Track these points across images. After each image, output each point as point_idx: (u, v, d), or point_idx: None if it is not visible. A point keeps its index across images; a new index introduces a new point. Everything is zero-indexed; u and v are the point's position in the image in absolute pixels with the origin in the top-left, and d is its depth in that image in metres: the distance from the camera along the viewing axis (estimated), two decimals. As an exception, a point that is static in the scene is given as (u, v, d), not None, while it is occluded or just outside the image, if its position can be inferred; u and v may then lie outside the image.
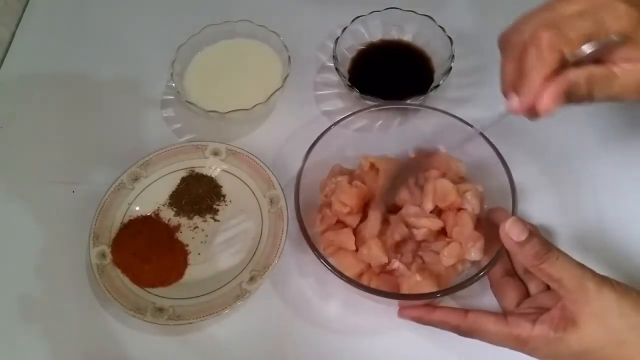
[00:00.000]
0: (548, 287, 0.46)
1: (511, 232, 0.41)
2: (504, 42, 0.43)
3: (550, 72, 0.40)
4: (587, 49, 0.39)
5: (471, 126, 0.52)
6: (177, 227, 0.57)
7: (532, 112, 0.41)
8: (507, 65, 0.43)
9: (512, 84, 0.42)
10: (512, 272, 0.49)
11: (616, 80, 0.40)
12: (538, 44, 0.39)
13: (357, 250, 0.50)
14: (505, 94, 0.43)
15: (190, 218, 0.58)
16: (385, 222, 0.53)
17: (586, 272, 0.41)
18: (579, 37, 0.39)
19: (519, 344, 0.43)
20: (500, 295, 0.48)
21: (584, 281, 0.40)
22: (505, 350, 0.44)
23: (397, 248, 0.51)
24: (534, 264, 0.41)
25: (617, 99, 0.41)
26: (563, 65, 0.40)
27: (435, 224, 0.50)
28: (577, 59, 0.40)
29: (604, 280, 0.40)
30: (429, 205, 0.51)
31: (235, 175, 0.59)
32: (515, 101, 0.42)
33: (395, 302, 0.49)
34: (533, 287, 0.47)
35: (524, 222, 0.42)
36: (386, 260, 0.49)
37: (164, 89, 0.67)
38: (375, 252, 0.49)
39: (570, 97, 0.41)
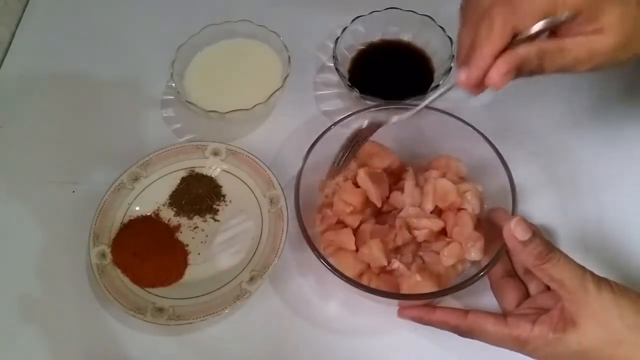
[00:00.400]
0: (548, 288, 0.46)
1: (516, 231, 0.41)
2: (463, 9, 0.43)
3: (500, 49, 0.39)
4: (538, 27, 0.39)
5: (471, 126, 0.52)
6: (177, 227, 0.57)
7: (479, 87, 0.41)
8: (463, 35, 0.43)
9: (465, 56, 0.42)
10: (512, 273, 0.49)
11: (568, 53, 0.40)
12: (491, 20, 0.39)
13: (357, 250, 0.50)
14: (459, 63, 0.43)
15: (190, 218, 0.58)
16: (382, 221, 0.53)
17: (586, 273, 0.41)
18: (533, 16, 0.39)
19: (518, 345, 0.43)
20: (500, 296, 0.48)
21: (584, 282, 0.40)
22: (505, 350, 0.44)
23: (398, 249, 0.51)
24: (536, 263, 0.41)
25: (569, 70, 0.41)
26: (514, 41, 0.40)
27: (436, 224, 0.50)
28: (528, 36, 0.40)
29: (603, 281, 0.41)
30: (429, 206, 0.51)
31: (235, 175, 0.59)
32: (463, 74, 0.41)
33: (395, 302, 0.50)
34: (533, 288, 0.47)
35: (528, 222, 0.42)
36: (385, 263, 0.49)
37: (164, 89, 0.67)
38: (375, 254, 0.49)
39: (521, 71, 0.40)
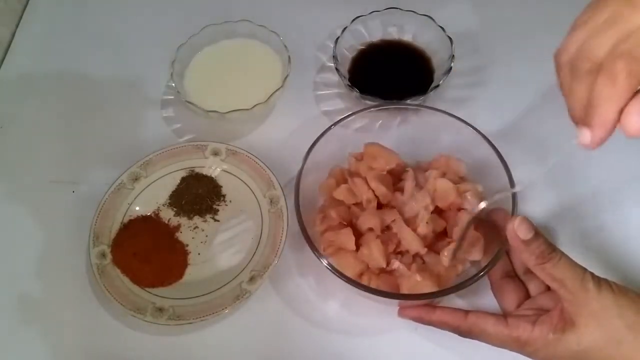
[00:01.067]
0: (548, 289, 0.46)
1: (519, 229, 0.42)
2: (568, 65, 0.38)
3: (625, 104, 0.35)
4: None
5: (471, 126, 0.52)
6: (177, 227, 0.57)
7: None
8: (575, 91, 0.38)
9: (582, 114, 0.38)
10: (512, 274, 0.49)
11: None
12: (612, 76, 0.35)
13: (357, 250, 0.50)
14: (576, 123, 0.39)
15: (190, 218, 0.58)
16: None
17: (587, 274, 0.41)
18: None
19: (518, 345, 0.43)
20: (500, 297, 0.48)
21: (584, 283, 0.40)
22: (505, 350, 0.44)
23: (398, 249, 0.51)
24: (538, 263, 0.41)
25: None
26: None
27: (439, 225, 0.50)
28: None
29: (603, 282, 0.41)
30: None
31: (235, 175, 0.59)
32: (587, 136, 0.37)
33: (395, 302, 0.50)
34: (533, 288, 0.47)
35: (530, 221, 0.42)
36: (384, 265, 0.49)
37: (164, 89, 0.67)
38: (375, 254, 0.49)
39: None
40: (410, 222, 0.51)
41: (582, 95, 0.37)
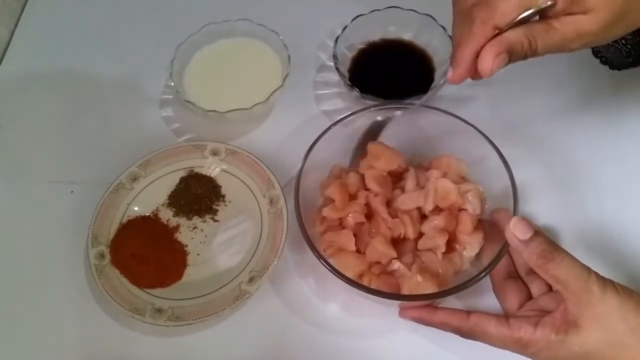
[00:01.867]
0: (550, 289, 0.46)
1: (516, 230, 0.41)
2: (453, 5, 0.44)
3: (482, 46, 0.41)
4: (517, 19, 0.40)
5: (472, 126, 0.52)
6: (176, 228, 0.57)
7: (474, 76, 0.43)
8: (453, 32, 0.44)
9: (452, 53, 0.44)
10: (514, 275, 0.49)
11: (555, 32, 0.40)
12: (471, 21, 0.40)
13: (357, 251, 0.50)
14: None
15: (189, 218, 0.57)
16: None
17: (591, 274, 0.40)
18: (512, 13, 0.40)
19: (520, 347, 0.43)
20: (502, 298, 0.48)
21: (589, 284, 0.40)
22: (507, 352, 0.44)
23: (397, 248, 0.51)
24: (539, 263, 0.41)
25: (561, 49, 0.41)
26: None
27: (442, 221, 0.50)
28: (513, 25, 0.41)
29: (607, 283, 0.40)
30: (429, 206, 0.51)
31: (234, 175, 0.59)
32: (449, 73, 0.43)
33: (395, 303, 0.49)
34: (535, 289, 0.47)
35: (529, 221, 0.42)
36: (395, 255, 0.49)
37: (163, 88, 0.67)
38: (381, 249, 0.49)
39: (513, 54, 0.41)
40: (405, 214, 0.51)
41: (455, 34, 0.43)
